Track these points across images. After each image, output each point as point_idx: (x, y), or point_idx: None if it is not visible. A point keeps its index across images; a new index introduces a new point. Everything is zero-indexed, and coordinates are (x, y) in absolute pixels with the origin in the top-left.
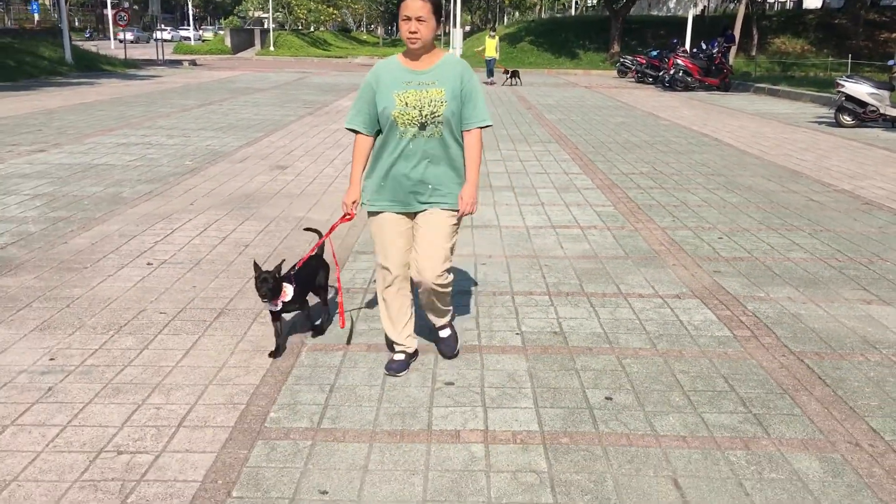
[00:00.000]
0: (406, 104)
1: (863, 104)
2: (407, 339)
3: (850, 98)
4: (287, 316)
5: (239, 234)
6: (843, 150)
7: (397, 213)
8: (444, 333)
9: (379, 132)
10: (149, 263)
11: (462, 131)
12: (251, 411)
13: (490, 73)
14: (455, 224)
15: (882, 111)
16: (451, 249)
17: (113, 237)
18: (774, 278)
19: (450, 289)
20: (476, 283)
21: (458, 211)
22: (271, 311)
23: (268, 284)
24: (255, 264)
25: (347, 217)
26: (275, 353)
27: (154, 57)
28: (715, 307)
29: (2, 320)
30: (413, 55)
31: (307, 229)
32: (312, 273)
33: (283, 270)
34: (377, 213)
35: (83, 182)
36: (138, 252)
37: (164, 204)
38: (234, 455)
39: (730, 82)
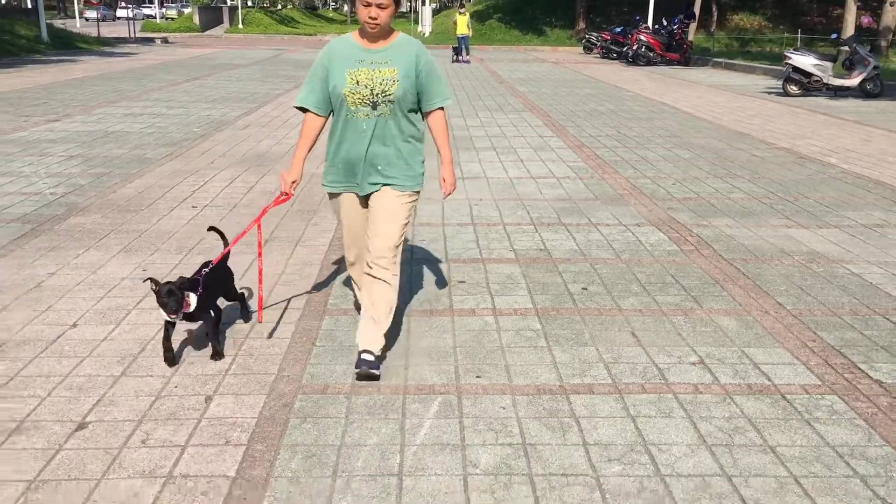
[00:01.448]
0: (357, 82)
1: (808, 75)
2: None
3: (796, 69)
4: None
5: (262, 185)
6: (788, 116)
7: (353, 196)
8: (367, 356)
9: (332, 113)
10: (193, 206)
11: (426, 112)
12: (314, 299)
13: (465, 52)
14: (406, 205)
15: (826, 81)
16: (402, 234)
17: (154, 188)
18: (716, 212)
19: (393, 292)
20: (472, 219)
21: (409, 193)
22: (167, 322)
23: (175, 297)
24: (152, 280)
25: (284, 198)
26: (170, 363)
27: (125, 35)
28: (667, 231)
29: (90, 246)
30: (367, 35)
31: (211, 229)
32: (218, 278)
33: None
34: (336, 194)
35: (107, 146)
36: (181, 199)
37: (186, 163)
38: (310, 324)
39: (689, 57)
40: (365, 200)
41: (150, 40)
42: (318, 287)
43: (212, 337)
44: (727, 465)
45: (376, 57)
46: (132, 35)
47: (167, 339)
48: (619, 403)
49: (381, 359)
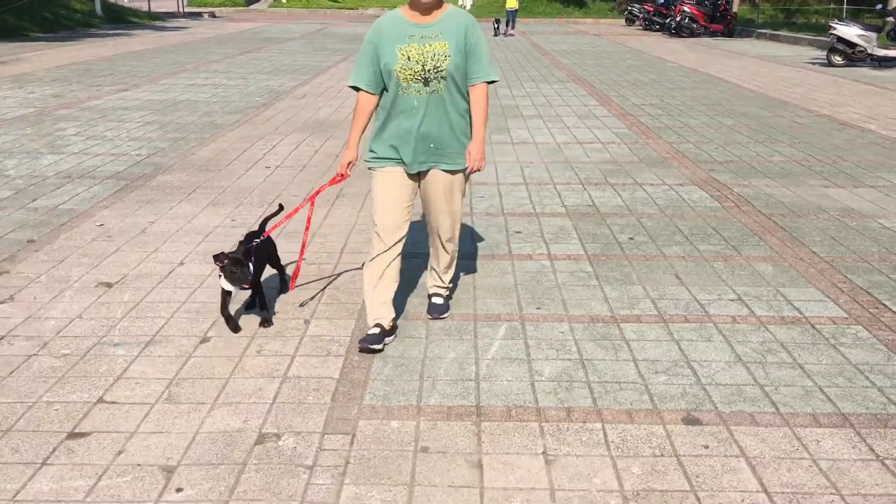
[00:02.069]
0: (408, 58)
1: (852, 45)
2: (383, 309)
3: (841, 40)
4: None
5: (327, 148)
6: (830, 86)
7: (400, 170)
8: (437, 300)
9: (384, 90)
10: (267, 167)
11: (468, 87)
12: None
13: (512, 25)
14: (460, 183)
15: (870, 51)
16: (461, 206)
17: (228, 151)
18: (756, 173)
19: (453, 254)
20: (524, 179)
21: (463, 170)
22: (225, 291)
23: (243, 266)
24: (215, 256)
25: (339, 178)
26: (236, 329)
27: (174, 9)
28: (708, 190)
29: (181, 200)
30: (418, 7)
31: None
32: (266, 251)
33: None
34: (377, 168)
35: (178, 113)
36: (254, 160)
37: (253, 129)
38: None
39: (733, 28)
40: (411, 178)
41: (198, 14)
42: None
43: (261, 305)
44: (760, 378)
45: (426, 31)
46: (180, 9)
47: (225, 308)
48: (664, 330)
49: (450, 298)
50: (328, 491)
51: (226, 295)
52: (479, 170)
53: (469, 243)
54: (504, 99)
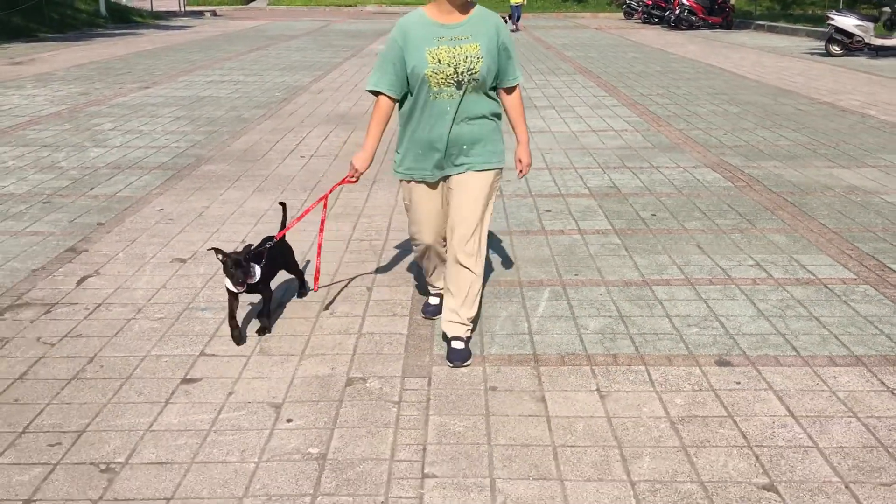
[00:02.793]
0: (439, 62)
1: (850, 35)
2: (442, 281)
3: (839, 30)
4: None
5: (354, 139)
6: (830, 74)
7: (432, 181)
8: (457, 344)
9: (406, 95)
10: (302, 157)
11: (501, 89)
12: None
13: (516, 20)
14: (491, 185)
15: (867, 41)
16: (486, 219)
17: (261, 142)
18: (765, 156)
19: (478, 281)
20: (546, 165)
21: (494, 172)
22: (230, 292)
23: (243, 269)
24: (216, 250)
25: (352, 179)
26: (238, 341)
27: (175, 8)
28: (721, 172)
29: (228, 187)
30: (444, 7)
31: (281, 203)
32: (279, 254)
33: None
34: (410, 182)
35: (205, 108)
36: (288, 151)
37: (280, 122)
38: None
39: (732, 20)
40: (441, 182)
41: (200, 13)
42: None
43: (265, 312)
44: (781, 328)
45: (455, 32)
46: (181, 8)
47: (232, 318)
48: (692, 291)
49: (470, 340)
50: (417, 420)
51: (232, 299)
52: (526, 173)
53: (503, 221)
54: None
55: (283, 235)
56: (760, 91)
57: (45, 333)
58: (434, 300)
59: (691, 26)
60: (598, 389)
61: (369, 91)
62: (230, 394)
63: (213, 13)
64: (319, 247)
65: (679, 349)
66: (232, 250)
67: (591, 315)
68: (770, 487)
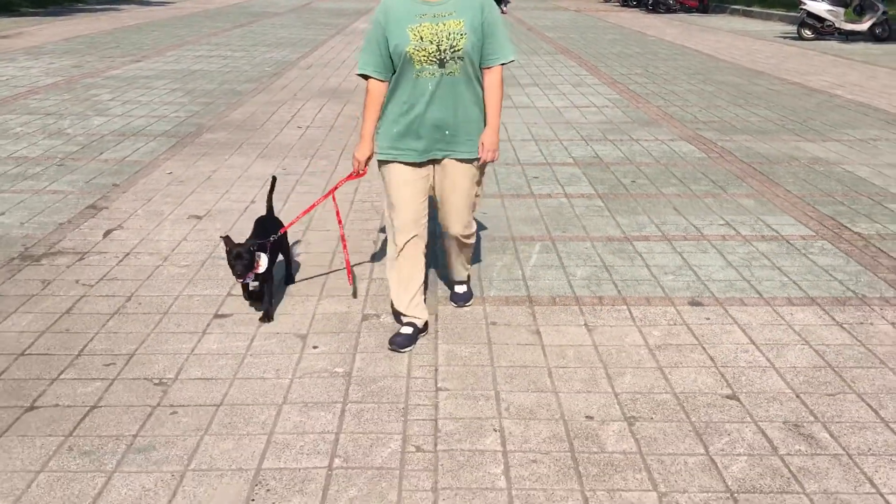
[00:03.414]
0: (421, 38)
1: (821, 20)
2: (416, 309)
3: (810, 14)
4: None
5: (348, 111)
6: (801, 57)
7: (412, 162)
8: (460, 289)
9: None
10: (299, 127)
11: (482, 68)
12: None
13: (505, 2)
14: (477, 174)
15: (837, 25)
16: (477, 199)
17: (257, 114)
18: (737, 131)
19: (473, 241)
20: (532, 137)
21: (478, 159)
22: (243, 285)
23: (243, 261)
24: (227, 238)
25: (356, 175)
26: (265, 318)
27: None
28: (696, 144)
29: (232, 153)
30: None
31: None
32: (281, 247)
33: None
34: (389, 161)
35: (198, 81)
36: (284, 121)
37: (273, 95)
38: None
39: (708, 4)
40: (425, 167)
41: None
42: None
43: (267, 300)
44: (746, 276)
45: (438, 9)
46: None
47: (249, 297)
48: (668, 246)
49: (469, 280)
50: (427, 347)
51: (244, 288)
52: (492, 160)
53: (495, 186)
54: None
55: (274, 220)
56: (734, 72)
57: (81, 277)
58: (407, 329)
59: (668, 10)
60: (585, 324)
61: (359, 75)
62: (259, 327)
63: None
64: (343, 241)
65: (657, 292)
66: (242, 241)
67: (578, 265)
68: (733, 397)
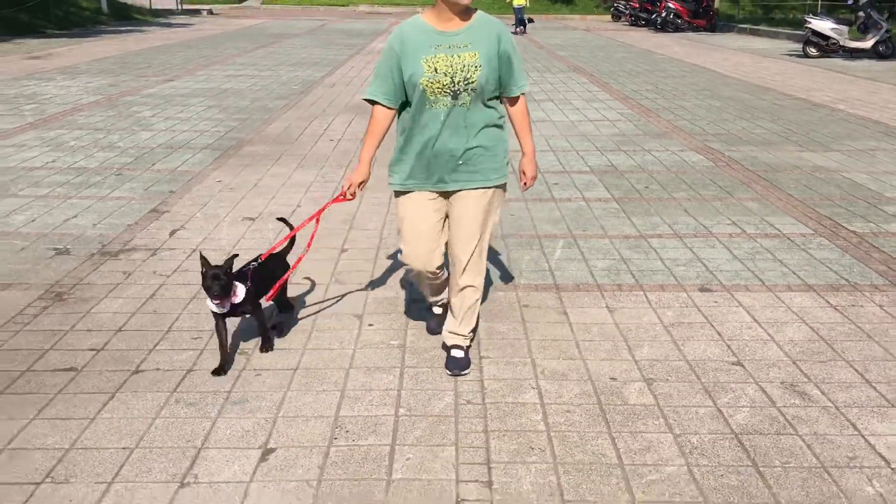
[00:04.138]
0: (435, 70)
1: (826, 38)
2: (445, 293)
3: (815, 33)
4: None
5: None
6: (806, 74)
7: (428, 191)
8: (457, 353)
9: (404, 105)
10: (331, 140)
11: (505, 98)
12: None
13: (520, 23)
14: (492, 203)
15: (842, 43)
16: (489, 234)
17: (291, 128)
18: (743, 142)
19: (478, 294)
20: (550, 147)
21: (495, 188)
22: (215, 314)
23: (220, 282)
24: (202, 257)
25: (344, 198)
26: (218, 371)
27: (172, 7)
28: (704, 154)
29: (272, 164)
30: (444, 14)
31: (279, 219)
32: (270, 274)
33: (236, 267)
34: (404, 192)
35: (230, 99)
36: (317, 135)
37: (304, 111)
38: None
39: (716, 23)
40: (441, 200)
41: (197, 11)
42: None
43: (261, 330)
44: (751, 267)
45: (454, 40)
46: (178, 6)
47: (223, 346)
48: (680, 242)
49: (469, 349)
50: None
51: (219, 323)
52: (531, 186)
53: (515, 188)
54: None
55: (272, 253)
56: (741, 88)
57: (158, 268)
58: (438, 310)
59: (677, 29)
60: (607, 307)
61: (365, 100)
62: (320, 309)
63: (210, 12)
64: (294, 266)
65: (670, 281)
66: (220, 262)
67: (599, 258)
68: (737, 364)
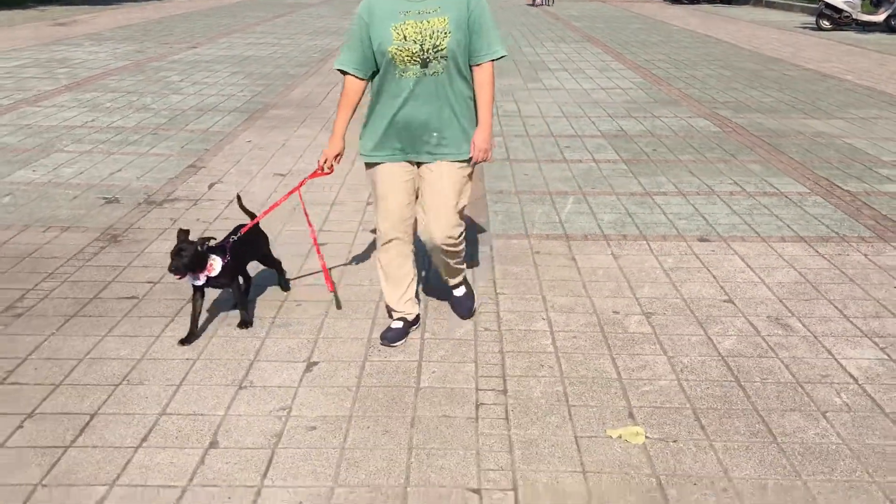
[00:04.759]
0: (404, 38)
1: (839, 11)
2: (406, 305)
3: (829, 6)
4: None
5: None
6: (818, 46)
7: (399, 162)
8: (459, 292)
9: (374, 74)
10: None
11: (471, 66)
12: None
13: None
14: (464, 174)
15: (854, 16)
16: (462, 206)
17: (314, 93)
18: (750, 110)
19: (462, 247)
20: (563, 114)
21: (468, 161)
22: (193, 286)
23: (181, 259)
24: (180, 231)
25: (322, 172)
26: (185, 340)
27: None
28: (712, 120)
29: (299, 126)
30: None
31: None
32: (248, 247)
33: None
34: (375, 164)
35: (253, 66)
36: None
37: (325, 78)
38: None
39: None
40: (411, 169)
41: None
42: None
43: (240, 305)
44: (749, 221)
45: (423, 5)
46: None
47: (194, 321)
48: (683, 199)
49: (467, 282)
50: (486, 268)
51: (195, 293)
52: (485, 160)
53: (531, 153)
54: (530, 56)
55: (254, 226)
56: (753, 59)
57: (200, 216)
58: (397, 324)
59: (692, 1)
60: (612, 254)
61: (337, 70)
62: (353, 254)
63: None
64: (316, 244)
65: (671, 232)
66: (198, 238)
67: (606, 212)
68: (729, 301)
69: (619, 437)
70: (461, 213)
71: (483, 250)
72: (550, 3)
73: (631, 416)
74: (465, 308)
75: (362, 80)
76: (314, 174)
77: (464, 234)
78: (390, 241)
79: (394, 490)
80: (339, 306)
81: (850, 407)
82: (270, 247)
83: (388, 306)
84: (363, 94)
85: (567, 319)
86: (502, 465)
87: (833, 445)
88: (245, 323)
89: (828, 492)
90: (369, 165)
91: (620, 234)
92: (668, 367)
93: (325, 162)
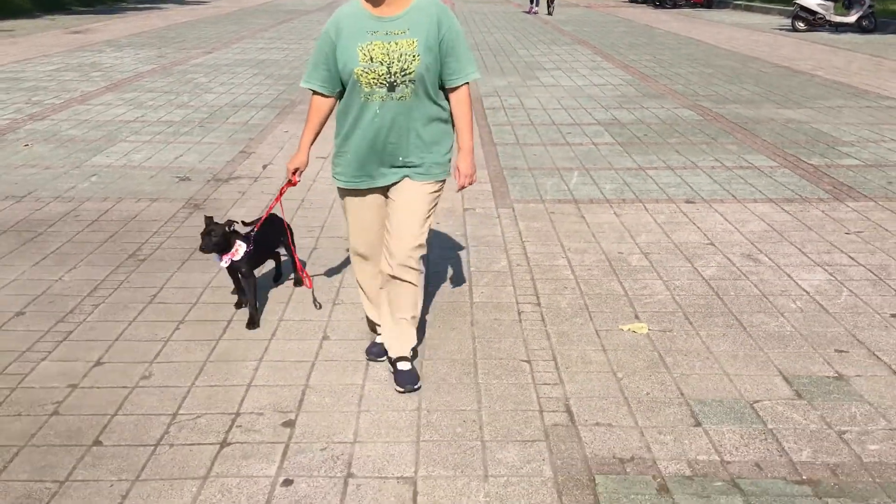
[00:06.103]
0: (371, 59)
1: (813, 13)
2: (397, 340)
3: (803, 8)
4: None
5: None
6: (792, 45)
7: (368, 186)
8: (403, 366)
9: (343, 91)
10: None
11: (448, 89)
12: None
13: (536, 2)
14: (430, 196)
15: (828, 18)
16: (427, 227)
17: None
18: (729, 101)
19: (417, 281)
20: (561, 106)
21: (433, 182)
22: (226, 268)
23: (211, 238)
24: (206, 218)
25: (291, 184)
26: (249, 324)
27: None
28: (695, 111)
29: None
30: None
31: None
32: (268, 241)
33: (239, 230)
34: (343, 189)
35: (271, 68)
36: None
37: None
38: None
39: (712, 0)
40: (381, 192)
41: None
42: None
43: (250, 304)
44: (726, 188)
45: (391, 26)
46: None
47: (237, 290)
48: (671, 172)
49: (415, 358)
50: (510, 224)
51: (230, 272)
52: (470, 185)
53: (538, 137)
54: (526, 58)
55: (275, 220)
56: (731, 58)
57: (263, 189)
58: (381, 339)
59: (675, 5)
60: (614, 213)
61: (304, 87)
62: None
63: None
64: (293, 246)
65: (662, 196)
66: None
67: (606, 183)
68: (710, 244)
69: (629, 329)
70: (424, 237)
71: (504, 214)
72: (550, 12)
73: (637, 317)
74: (404, 380)
75: (329, 97)
76: (286, 186)
77: (421, 273)
78: (365, 260)
79: (467, 360)
80: (318, 306)
81: (802, 309)
82: (291, 239)
83: (369, 322)
84: (332, 110)
85: (582, 258)
86: (543, 346)
87: (788, 332)
88: (253, 323)
89: (782, 358)
90: (340, 189)
91: (620, 198)
92: (663, 287)
93: (287, 174)
